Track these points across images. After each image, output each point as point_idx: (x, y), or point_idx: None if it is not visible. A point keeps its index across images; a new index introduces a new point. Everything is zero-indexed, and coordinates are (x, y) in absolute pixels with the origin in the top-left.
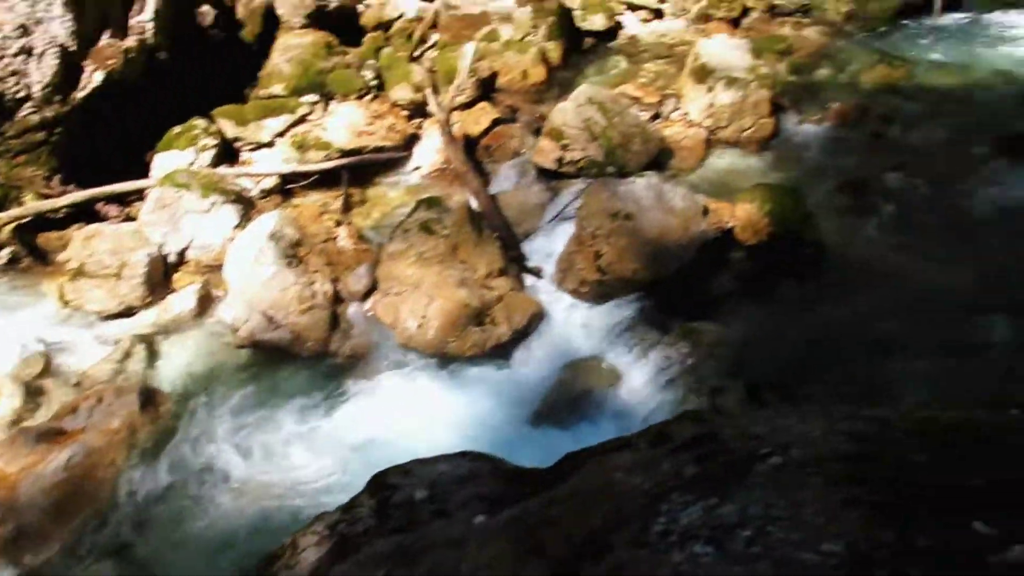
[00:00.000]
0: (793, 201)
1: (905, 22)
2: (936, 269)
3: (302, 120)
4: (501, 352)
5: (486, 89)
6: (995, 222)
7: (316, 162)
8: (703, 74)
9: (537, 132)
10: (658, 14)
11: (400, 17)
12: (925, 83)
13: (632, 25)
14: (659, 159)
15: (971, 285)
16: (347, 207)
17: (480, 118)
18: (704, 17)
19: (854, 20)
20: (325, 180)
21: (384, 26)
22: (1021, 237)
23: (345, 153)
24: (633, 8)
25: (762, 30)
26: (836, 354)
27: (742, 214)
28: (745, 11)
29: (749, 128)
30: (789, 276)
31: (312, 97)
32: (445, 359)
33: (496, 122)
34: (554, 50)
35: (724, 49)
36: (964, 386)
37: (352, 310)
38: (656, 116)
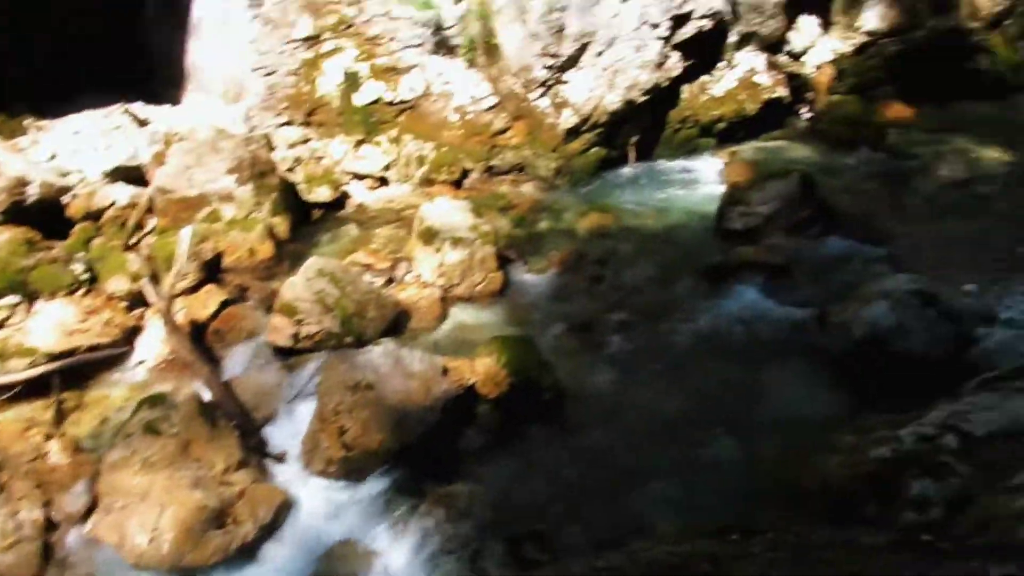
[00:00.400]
0: (528, 349)
1: (606, 173)
2: (663, 397)
3: (0, 326)
4: (248, 552)
5: (212, 271)
6: (706, 346)
7: (18, 371)
8: (430, 236)
9: (270, 310)
10: (384, 181)
11: (112, 205)
12: (631, 226)
13: (359, 193)
14: (397, 323)
15: (695, 409)
16: (60, 417)
17: (207, 301)
18: (428, 181)
19: (562, 175)
20: (32, 390)
21: (94, 215)
22: (730, 358)
23: (54, 357)
24: (359, 177)
25: (483, 189)
26: (587, 494)
27: (481, 368)
28: (465, 173)
29: (480, 283)
30: (534, 423)
31: (12, 299)
32: (185, 572)
33: (225, 304)
34: (281, 224)
35: (448, 210)
36: (699, 508)
37: (70, 535)
38: (390, 280)
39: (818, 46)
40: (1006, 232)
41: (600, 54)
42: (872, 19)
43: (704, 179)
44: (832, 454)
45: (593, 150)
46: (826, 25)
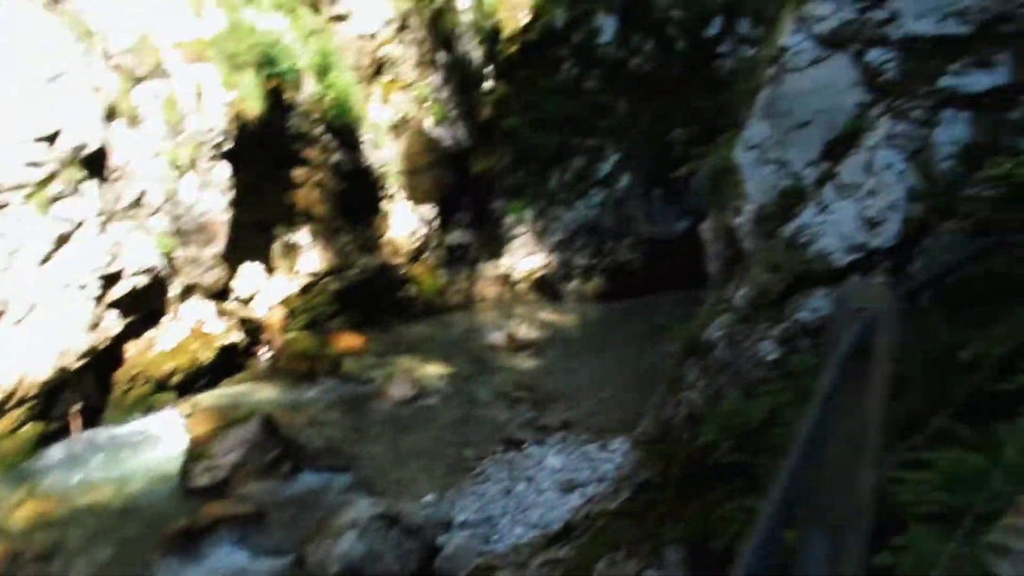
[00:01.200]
0: None
1: (46, 450)
2: None
3: None
4: None
5: None
6: None
7: None
8: None
9: None
10: None
11: None
12: (82, 506)
13: None
14: None
15: None
16: None
17: None
18: None
19: None
20: None
21: None
22: None
23: None
24: None
25: None
26: None
27: None
28: None
29: None
30: None
31: None
32: None
33: None
34: None
35: None
36: None
37: None
38: None
39: (265, 290)
40: (451, 438)
41: (20, 322)
42: (310, 262)
43: (165, 437)
44: None
45: (26, 427)
46: (270, 270)
